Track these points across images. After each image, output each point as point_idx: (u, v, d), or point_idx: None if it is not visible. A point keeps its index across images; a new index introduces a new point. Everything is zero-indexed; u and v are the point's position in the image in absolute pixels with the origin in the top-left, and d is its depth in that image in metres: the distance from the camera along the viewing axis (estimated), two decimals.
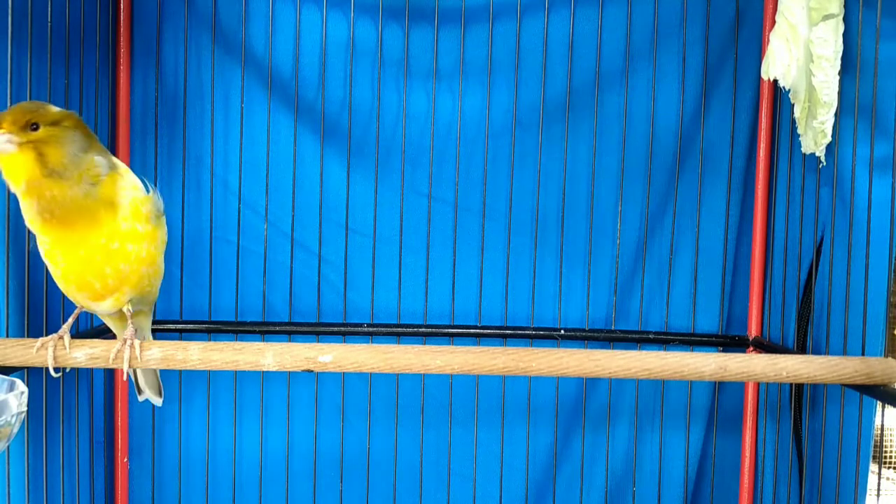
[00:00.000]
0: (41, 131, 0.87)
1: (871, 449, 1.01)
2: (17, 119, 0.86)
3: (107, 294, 0.92)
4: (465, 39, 1.31)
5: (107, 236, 0.89)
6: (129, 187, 0.91)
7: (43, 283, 1.08)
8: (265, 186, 1.33)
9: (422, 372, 0.93)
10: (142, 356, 0.92)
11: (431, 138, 1.32)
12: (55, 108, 0.89)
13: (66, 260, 0.89)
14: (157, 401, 1.11)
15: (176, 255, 1.32)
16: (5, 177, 0.88)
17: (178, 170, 1.32)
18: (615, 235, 1.34)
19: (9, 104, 0.98)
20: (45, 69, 1.07)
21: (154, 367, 0.93)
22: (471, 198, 1.34)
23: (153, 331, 1.31)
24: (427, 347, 0.94)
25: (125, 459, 1.34)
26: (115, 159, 0.93)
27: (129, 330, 0.93)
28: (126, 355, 0.91)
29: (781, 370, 0.94)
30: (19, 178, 0.87)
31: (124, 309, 0.95)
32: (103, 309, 0.95)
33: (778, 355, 0.98)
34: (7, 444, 0.78)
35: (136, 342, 0.92)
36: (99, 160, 0.90)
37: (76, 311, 0.97)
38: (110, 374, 1.31)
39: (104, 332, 1.26)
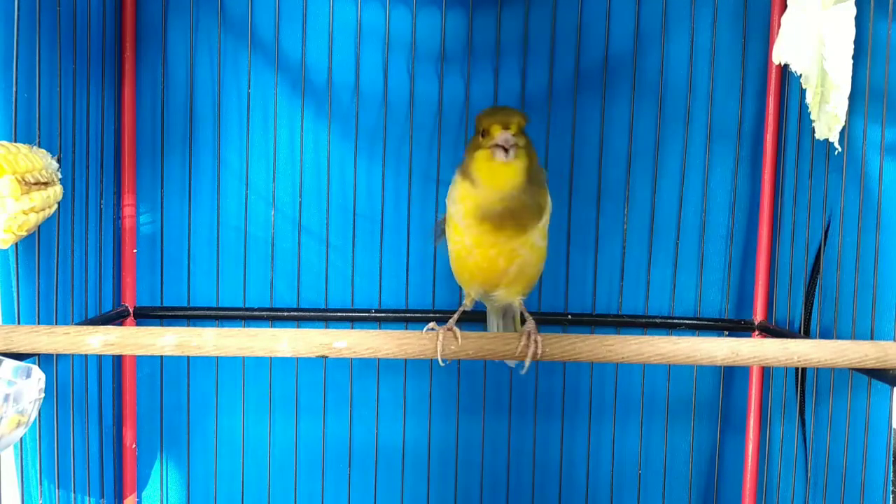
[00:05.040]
0: (525, 136, 0.92)
1: (892, 441, 1.00)
2: (519, 123, 0.90)
3: (501, 285, 0.99)
4: (472, 22, 1.30)
5: (523, 242, 0.94)
6: (549, 199, 0.97)
7: (53, 270, 1.08)
8: (272, 172, 1.32)
9: (437, 357, 0.93)
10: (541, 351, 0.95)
11: (439, 122, 1.31)
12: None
13: (480, 254, 0.95)
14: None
15: (183, 241, 1.32)
16: (491, 180, 0.91)
17: (183, 156, 1.31)
18: (623, 219, 1.34)
19: (14, 95, 0.97)
20: (55, 58, 1.06)
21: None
22: None
23: (161, 317, 1.31)
24: (442, 333, 0.94)
25: (133, 445, 1.34)
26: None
27: (530, 324, 0.96)
28: (531, 351, 0.94)
29: (793, 354, 0.95)
30: (510, 183, 0.90)
31: (515, 302, 1.02)
32: (495, 297, 1.02)
33: (789, 339, 0.99)
34: (25, 430, 0.78)
35: (538, 337, 0.94)
36: (544, 174, 0.96)
37: (463, 306, 1.03)
38: (119, 360, 1.31)
39: (114, 319, 1.26)
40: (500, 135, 0.90)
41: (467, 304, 1.04)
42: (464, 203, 0.95)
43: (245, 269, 1.32)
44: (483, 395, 1.35)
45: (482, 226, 0.93)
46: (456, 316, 0.99)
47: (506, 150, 0.89)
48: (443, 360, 0.94)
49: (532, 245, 0.96)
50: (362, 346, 0.93)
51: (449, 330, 0.95)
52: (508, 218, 0.92)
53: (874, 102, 1.01)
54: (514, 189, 0.91)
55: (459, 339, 0.94)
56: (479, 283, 1.00)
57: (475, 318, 1.31)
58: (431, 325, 0.96)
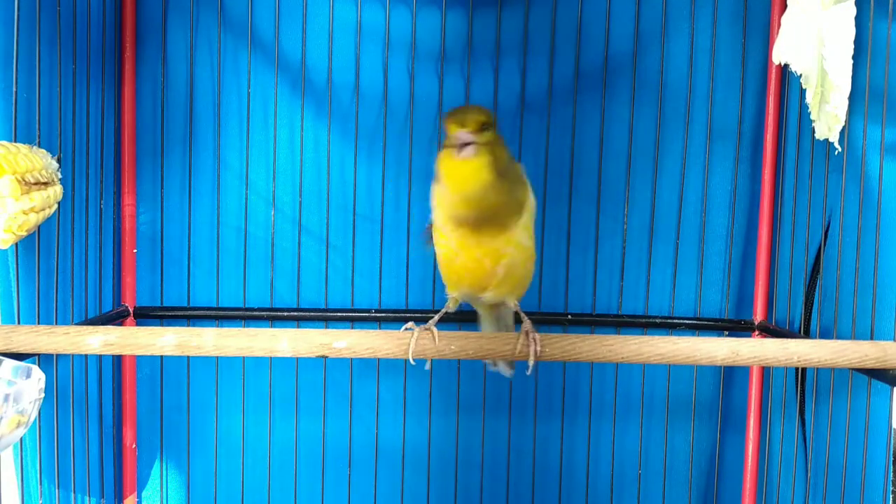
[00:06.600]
0: (488, 133, 0.88)
1: (892, 441, 1.00)
2: (477, 119, 0.87)
3: (490, 286, 0.97)
4: (472, 22, 1.30)
5: (506, 241, 0.93)
6: (530, 195, 0.95)
7: (53, 270, 1.08)
8: (272, 172, 1.32)
9: (437, 357, 0.93)
10: (541, 349, 0.94)
11: (440, 122, 1.31)
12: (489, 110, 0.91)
13: (466, 256, 0.94)
14: (509, 373, 1.15)
15: (183, 241, 1.32)
16: (454, 180, 0.89)
17: (183, 156, 1.31)
18: (623, 220, 1.34)
19: (14, 95, 0.97)
20: (55, 58, 1.06)
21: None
22: None
23: (161, 317, 1.31)
24: (442, 333, 0.94)
25: (133, 445, 1.34)
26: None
27: (527, 323, 0.95)
28: (531, 349, 0.93)
29: (793, 355, 0.95)
30: (474, 180, 0.88)
31: (510, 302, 1.01)
32: (484, 299, 1.01)
33: (788, 339, 0.99)
34: (25, 430, 0.78)
35: (537, 336, 0.94)
36: (520, 165, 0.95)
37: (447, 307, 1.02)
38: (119, 360, 1.31)
39: (114, 319, 1.26)
40: (456, 133, 0.88)
41: (450, 307, 1.03)
42: (441, 207, 0.94)
43: (245, 269, 1.32)
44: (483, 395, 1.35)
45: (461, 228, 0.93)
46: (437, 317, 0.99)
47: (464, 148, 0.88)
48: (414, 360, 0.93)
49: (517, 244, 0.95)
50: (362, 346, 0.93)
51: (427, 330, 0.94)
52: (484, 216, 0.91)
53: (874, 102, 1.01)
54: (481, 186, 0.89)
55: (437, 340, 0.93)
56: (468, 285, 0.99)
57: (474, 319, 1.32)
58: (409, 324, 0.96)
